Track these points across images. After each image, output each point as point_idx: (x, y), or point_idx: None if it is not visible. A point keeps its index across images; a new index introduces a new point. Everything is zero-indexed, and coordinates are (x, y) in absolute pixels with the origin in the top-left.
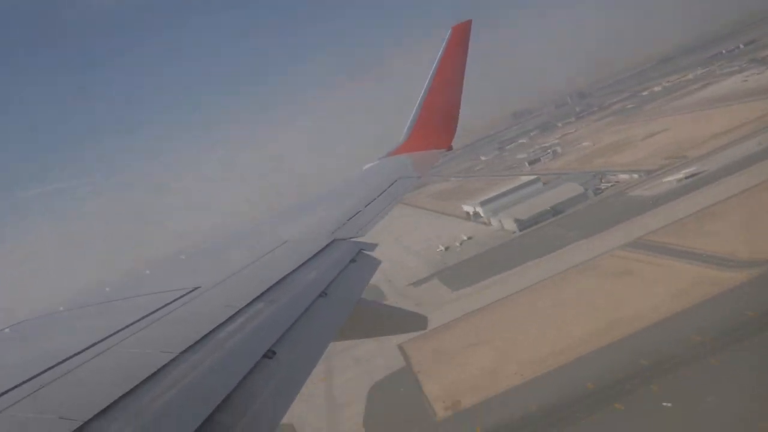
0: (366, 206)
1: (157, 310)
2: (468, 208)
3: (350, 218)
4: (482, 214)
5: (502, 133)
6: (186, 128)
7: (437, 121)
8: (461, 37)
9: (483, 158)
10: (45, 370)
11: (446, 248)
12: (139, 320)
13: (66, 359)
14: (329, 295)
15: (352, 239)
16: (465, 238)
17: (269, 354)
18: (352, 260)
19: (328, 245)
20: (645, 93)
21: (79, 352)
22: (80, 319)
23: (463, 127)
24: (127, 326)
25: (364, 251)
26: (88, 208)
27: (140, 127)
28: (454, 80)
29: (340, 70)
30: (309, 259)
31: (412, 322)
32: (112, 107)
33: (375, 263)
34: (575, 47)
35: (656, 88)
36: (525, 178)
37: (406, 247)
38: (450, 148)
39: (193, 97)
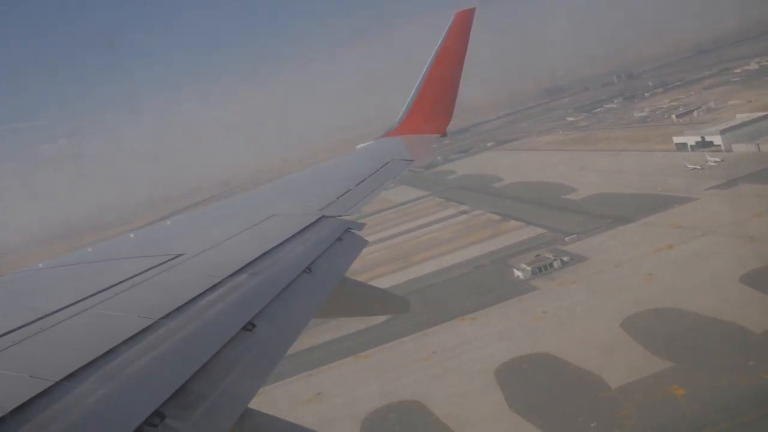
0: (357, 186)
1: (138, 274)
2: (685, 140)
3: (340, 196)
4: (718, 142)
5: (542, 106)
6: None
7: (434, 106)
8: (464, 24)
9: (571, 119)
10: (18, 327)
11: (700, 167)
12: (118, 283)
13: (41, 318)
14: (313, 272)
15: (340, 217)
16: (709, 162)
17: (249, 326)
18: (339, 238)
19: (315, 222)
20: (738, 71)
21: (54, 311)
22: (59, 278)
23: (487, 101)
24: (107, 288)
25: (352, 230)
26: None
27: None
28: (454, 67)
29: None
30: (295, 234)
31: (395, 304)
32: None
33: (362, 243)
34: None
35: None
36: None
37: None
38: (445, 134)
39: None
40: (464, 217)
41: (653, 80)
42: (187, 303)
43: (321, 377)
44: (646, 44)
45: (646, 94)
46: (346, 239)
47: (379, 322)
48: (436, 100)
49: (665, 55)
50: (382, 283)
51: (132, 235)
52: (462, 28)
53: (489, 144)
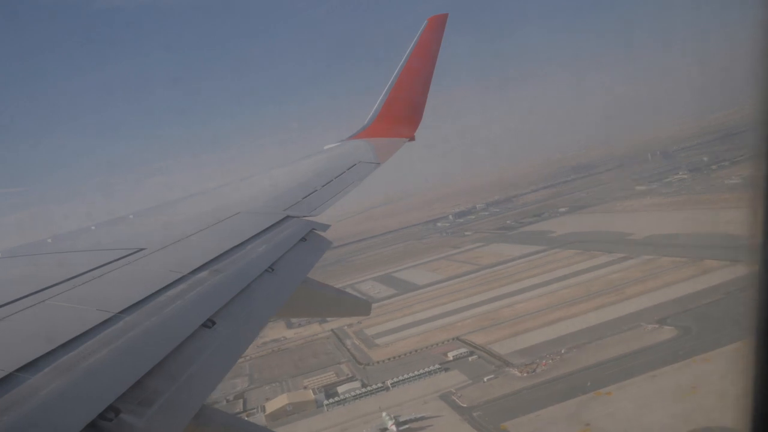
0: (323, 187)
1: (97, 267)
2: None
3: (305, 197)
4: None
5: (582, 180)
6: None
7: (403, 110)
8: (436, 29)
9: (641, 188)
10: None
11: None
12: (77, 276)
13: None
14: (276, 271)
15: (305, 218)
16: None
17: (208, 323)
18: (303, 239)
19: (280, 221)
20: None
21: (10, 302)
22: (15, 267)
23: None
24: (65, 280)
25: (316, 231)
26: None
27: None
28: (425, 71)
29: None
30: (259, 233)
31: (356, 307)
32: None
33: (326, 244)
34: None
35: None
36: None
37: None
38: (413, 139)
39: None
40: (632, 261)
41: (696, 157)
42: (146, 298)
43: None
44: (658, 125)
45: (713, 167)
46: (310, 240)
47: None
48: (406, 104)
49: (691, 136)
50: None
51: (93, 227)
52: (435, 33)
53: (561, 210)
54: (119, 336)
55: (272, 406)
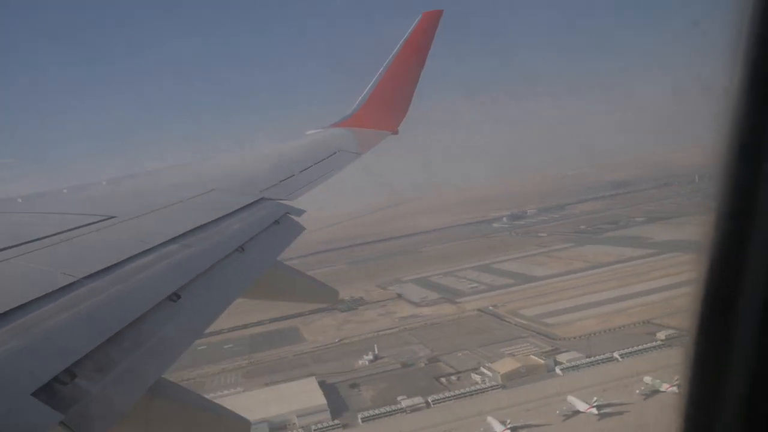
0: (301, 172)
1: (65, 231)
2: None
3: (282, 180)
4: None
5: (626, 195)
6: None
7: (389, 102)
8: (430, 24)
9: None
10: None
11: None
12: (44, 237)
13: None
14: (246, 252)
15: (280, 201)
16: None
17: (173, 297)
18: (277, 222)
19: (255, 202)
20: None
21: None
22: None
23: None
24: (32, 241)
25: (290, 215)
26: None
27: None
28: (415, 65)
29: None
30: (233, 212)
31: (324, 294)
32: None
33: (299, 229)
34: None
35: None
36: None
37: None
38: (396, 132)
39: None
40: None
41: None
42: (113, 265)
43: None
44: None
45: None
46: (283, 223)
47: None
48: (392, 97)
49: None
50: None
51: (65, 191)
52: (427, 28)
53: (639, 219)
54: (82, 301)
55: (502, 368)
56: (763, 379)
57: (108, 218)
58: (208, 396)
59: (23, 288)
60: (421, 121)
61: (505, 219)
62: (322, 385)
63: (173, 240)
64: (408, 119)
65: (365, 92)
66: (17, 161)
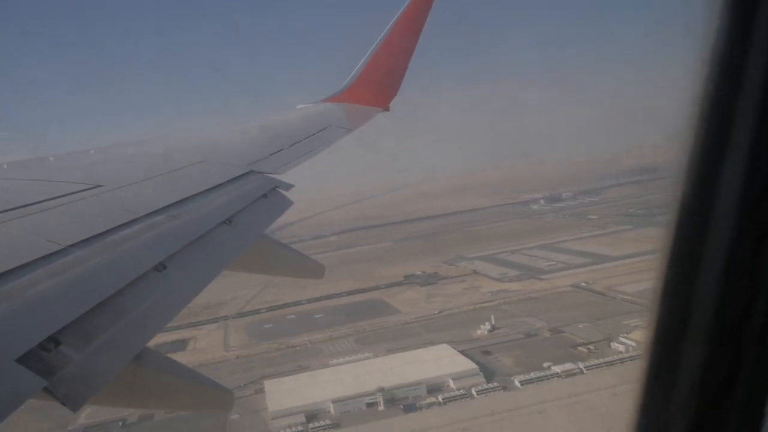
0: (290, 146)
1: (51, 198)
2: None
3: (271, 154)
4: None
5: (642, 184)
6: None
7: (381, 79)
8: (424, 1)
9: None
10: None
11: None
12: (30, 204)
13: None
14: (233, 224)
15: (269, 174)
16: None
17: (160, 267)
18: (265, 195)
19: (243, 175)
20: None
21: None
22: None
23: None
24: (17, 207)
25: (279, 189)
26: None
27: None
28: (409, 42)
29: None
30: (220, 184)
31: (310, 269)
32: None
33: (287, 203)
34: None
35: None
36: None
37: None
38: (387, 109)
39: None
40: None
41: None
42: (99, 234)
43: None
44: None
45: None
46: (271, 197)
47: None
48: (384, 73)
49: None
50: None
51: (52, 159)
52: (422, 5)
53: None
54: (67, 269)
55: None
56: (715, 384)
57: (95, 187)
58: (334, 360)
59: (7, 254)
60: (416, 103)
61: (542, 201)
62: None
63: (160, 210)
64: (407, 100)
65: (357, 68)
66: (8, 134)
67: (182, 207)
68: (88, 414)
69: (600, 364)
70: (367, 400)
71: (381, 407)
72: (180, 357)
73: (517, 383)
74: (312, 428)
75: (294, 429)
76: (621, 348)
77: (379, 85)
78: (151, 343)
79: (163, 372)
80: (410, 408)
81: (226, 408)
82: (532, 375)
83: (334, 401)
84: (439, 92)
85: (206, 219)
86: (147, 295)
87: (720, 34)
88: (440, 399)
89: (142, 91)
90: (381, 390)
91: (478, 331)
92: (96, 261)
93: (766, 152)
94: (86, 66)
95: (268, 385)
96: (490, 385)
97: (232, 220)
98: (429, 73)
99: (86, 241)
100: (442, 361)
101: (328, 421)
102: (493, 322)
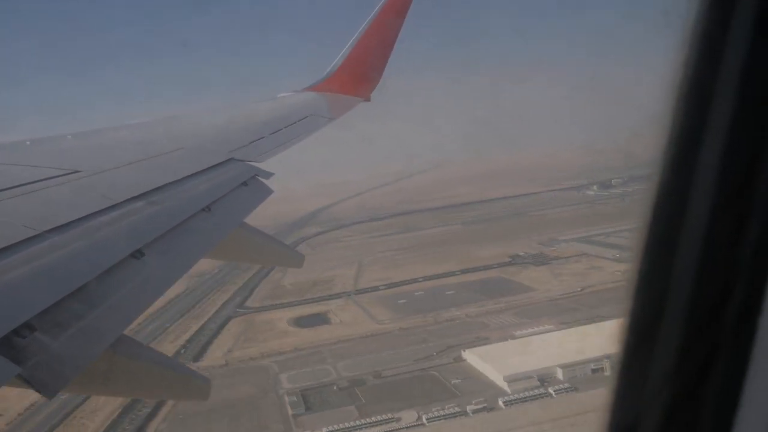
0: (271, 134)
1: (27, 183)
2: None
3: (252, 142)
4: None
5: None
6: None
7: (363, 69)
8: None
9: None
10: None
11: None
12: (5, 189)
13: None
14: (212, 212)
15: (249, 162)
16: None
17: (137, 254)
18: (245, 183)
19: (223, 162)
20: None
21: None
22: None
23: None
24: None
25: (259, 177)
26: None
27: None
28: (391, 32)
29: None
30: (200, 171)
31: (289, 258)
32: None
33: (267, 191)
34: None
35: None
36: None
37: None
38: (368, 99)
39: None
40: None
41: None
42: (76, 220)
43: None
44: None
45: None
46: (251, 185)
47: None
48: (366, 63)
49: None
50: None
51: (28, 143)
52: None
53: None
54: (43, 255)
55: None
56: (690, 373)
57: (72, 172)
58: (519, 332)
59: None
60: (408, 92)
61: (596, 187)
62: None
63: (139, 197)
64: (402, 91)
65: (339, 57)
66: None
67: (161, 194)
68: (289, 378)
69: None
70: (593, 366)
71: (607, 372)
72: (332, 330)
73: None
74: (553, 390)
75: (531, 392)
76: None
77: (360, 75)
78: (290, 315)
79: (140, 360)
80: None
81: (202, 396)
82: None
83: (561, 366)
84: (426, 80)
85: (185, 206)
86: (124, 282)
87: (699, 17)
88: None
89: (120, 78)
90: (607, 356)
91: None
92: (72, 247)
93: (744, 136)
94: (64, 51)
95: (470, 353)
96: None
97: (212, 208)
98: (413, 62)
99: (63, 227)
100: None
101: (566, 385)
102: None
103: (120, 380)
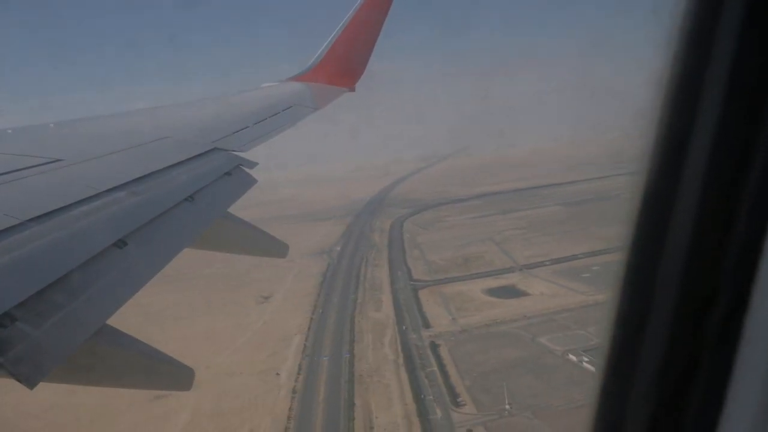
0: (255, 124)
1: (9, 172)
2: None
3: (235, 132)
4: None
5: None
6: None
7: (347, 59)
8: None
9: None
10: None
11: None
12: None
13: None
14: (196, 202)
15: (232, 152)
16: None
17: (120, 243)
18: (228, 173)
19: (207, 152)
20: None
21: None
22: None
23: None
24: None
25: (243, 167)
26: None
27: None
28: (375, 22)
29: None
30: (184, 161)
31: (273, 248)
32: None
33: (250, 181)
34: None
35: None
36: None
37: None
38: (353, 89)
39: None
40: None
41: None
42: (58, 209)
43: None
44: None
45: None
46: (235, 175)
47: None
48: (350, 53)
49: None
50: None
51: (10, 131)
52: None
53: None
54: (25, 244)
55: None
56: (675, 374)
57: (54, 161)
58: None
59: None
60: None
61: None
62: None
63: (121, 186)
64: (399, 83)
65: (323, 47)
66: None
67: (144, 183)
68: (551, 340)
69: None
70: None
71: None
72: (540, 300)
73: None
74: None
75: None
76: None
77: (345, 65)
78: (474, 287)
79: (123, 350)
80: None
81: (186, 386)
82: None
83: None
84: (414, 70)
85: (168, 196)
86: (106, 272)
87: (687, 13)
88: None
89: (106, 67)
90: None
91: None
92: (55, 236)
93: (733, 132)
94: (49, 40)
95: None
96: None
97: (195, 198)
98: (401, 51)
99: (45, 216)
100: None
101: None
102: None
103: (102, 370)
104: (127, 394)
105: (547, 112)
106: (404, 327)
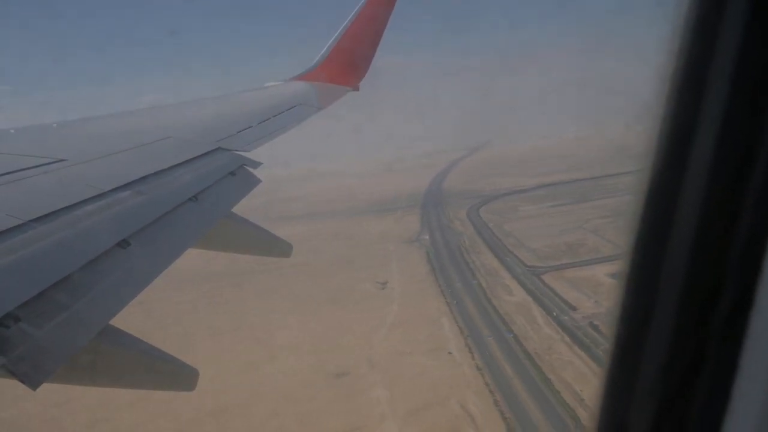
0: (259, 123)
1: (12, 171)
2: None
3: (240, 131)
4: None
5: None
6: None
7: (351, 58)
8: None
9: None
10: None
11: None
12: None
13: None
14: (199, 201)
15: (236, 152)
16: None
17: (123, 243)
18: (232, 173)
19: (210, 152)
20: None
21: None
22: None
23: None
24: None
25: (247, 167)
26: None
27: None
28: (380, 20)
29: None
30: (187, 161)
31: (277, 248)
32: None
33: (255, 181)
34: None
35: None
36: None
37: None
38: (357, 89)
39: None
40: None
41: None
42: (61, 209)
43: None
44: None
45: None
46: (239, 174)
47: None
48: (354, 52)
49: None
50: None
51: (13, 131)
52: None
53: None
54: (28, 245)
55: None
56: (681, 369)
57: (58, 161)
58: None
59: None
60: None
61: None
62: None
63: (125, 186)
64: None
65: (327, 46)
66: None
67: (148, 183)
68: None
69: None
70: None
71: None
72: None
73: None
74: None
75: None
76: None
77: (349, 64)
78: (596, 273)
79: (126, 350)
80: None
81: (190, 386)
82: None
83: None
84: (419, 67)
85: (172, 196)
86: (110, 272)
87: (693, 6)
88: None
89: (110, 66)
90: None
91: None
92: (58, 237)
93: (738, 127)
94: (49, 38)
95: None
96: None
97: (199, 198)
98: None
99: (48, 216)
100: None
101: None
102: None
103: (106, 371)
104: (305, 373)
105: (567, 104)
106: (550, 309)
